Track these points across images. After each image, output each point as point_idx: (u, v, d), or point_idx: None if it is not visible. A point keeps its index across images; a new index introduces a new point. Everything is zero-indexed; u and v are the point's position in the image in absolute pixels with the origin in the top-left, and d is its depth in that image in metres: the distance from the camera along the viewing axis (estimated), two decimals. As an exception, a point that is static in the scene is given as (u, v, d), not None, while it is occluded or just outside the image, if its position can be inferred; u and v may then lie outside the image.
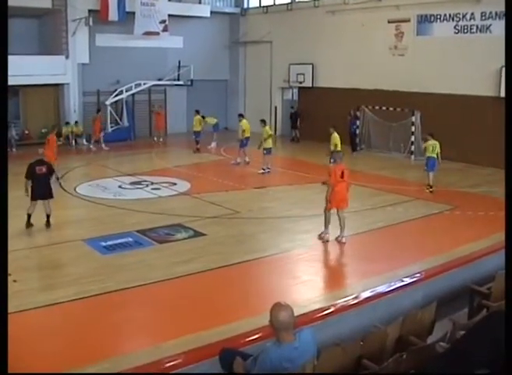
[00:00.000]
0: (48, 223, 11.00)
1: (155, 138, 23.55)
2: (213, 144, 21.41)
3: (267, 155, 16.86)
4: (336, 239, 10.20)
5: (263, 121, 17.60)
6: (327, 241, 10.20)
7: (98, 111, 21.77)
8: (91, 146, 21.33)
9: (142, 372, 5.52)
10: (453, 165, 17.86)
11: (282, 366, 4.19)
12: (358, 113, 20.97)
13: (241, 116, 19.16)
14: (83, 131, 22.46)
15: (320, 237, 10.34)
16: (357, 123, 20.82)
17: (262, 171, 16.67)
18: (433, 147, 14.08)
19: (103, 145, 21.13)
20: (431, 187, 14.12)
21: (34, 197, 10.87)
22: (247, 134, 18.02)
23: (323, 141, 20.90)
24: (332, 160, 10.85)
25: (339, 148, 14.81)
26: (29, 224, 10.87)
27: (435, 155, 14.08)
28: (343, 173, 10.08)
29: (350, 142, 20.27)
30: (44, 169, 10.99)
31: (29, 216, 10.85)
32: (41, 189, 10.92)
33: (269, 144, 16.93)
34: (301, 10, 23.89)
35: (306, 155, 19.32)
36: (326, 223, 10.31)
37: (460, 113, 18.29)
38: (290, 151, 21.82)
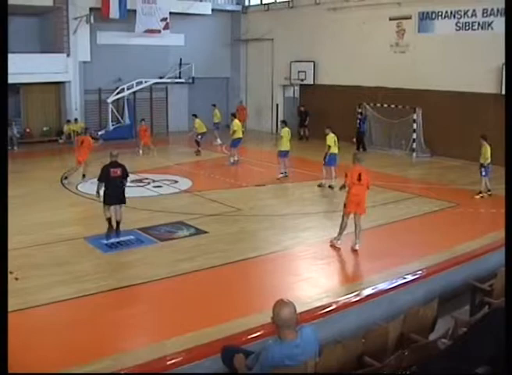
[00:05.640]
0: (117, 229, 10.16)
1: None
2: (219, 141, 21.76)
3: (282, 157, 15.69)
4: (352, 247, 9.58)
5: (283, 122, 16.94)
6: (337, 248, 9.71)
7: (142, 120, 20.92)
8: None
9: (144, 369, 5.54)
10: (454, 162, 17.86)
11: (283, 363, 4.20)
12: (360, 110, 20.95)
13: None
14: (83, 128, 22.45)
15: (332, 242, 9.82)
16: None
17: (281, 175, 15.40)
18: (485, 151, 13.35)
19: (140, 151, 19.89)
20: (489, 191, 13.42)
21: (108, 201, 10.09)
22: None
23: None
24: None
25: (333, 150, 14.38)
26: (110, 228, 10.11)
27: (484, 161, 13.28)
28: (360, 175, 9.53)
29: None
30: (118, 172, 10.16)
31: (109, 219, 10.10)
32: (115, 193, 10.09)
33: (282, 146, 15.77)
34: (302, 7, 23.83)
35: (308, 153, 19.22)
36: (341, 230, 9.73)
37: (461, 110, 18.25)
38: (295, 150, 21.62)
